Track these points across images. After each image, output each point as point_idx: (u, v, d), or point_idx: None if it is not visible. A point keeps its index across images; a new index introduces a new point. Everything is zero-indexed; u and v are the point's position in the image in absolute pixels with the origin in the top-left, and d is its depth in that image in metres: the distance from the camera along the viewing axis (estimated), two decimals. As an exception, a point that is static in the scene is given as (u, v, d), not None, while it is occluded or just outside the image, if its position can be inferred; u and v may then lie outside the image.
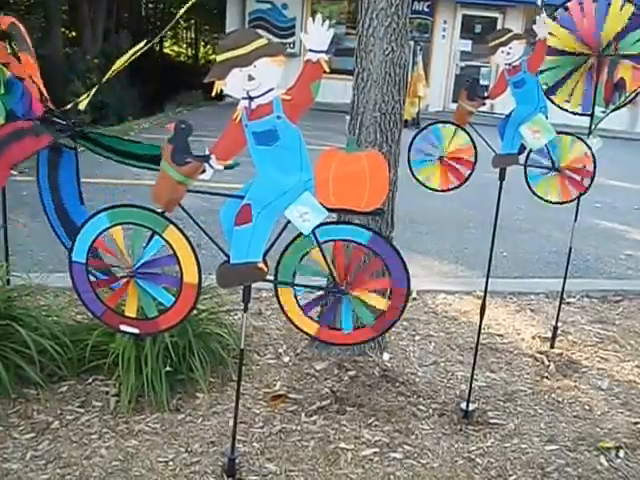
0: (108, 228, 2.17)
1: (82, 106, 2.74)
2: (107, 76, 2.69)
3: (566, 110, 3.57)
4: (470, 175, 3.24)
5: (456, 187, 3.28)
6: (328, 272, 2.26)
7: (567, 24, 3.36)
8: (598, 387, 3.31)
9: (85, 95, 2.75)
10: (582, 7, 3.32)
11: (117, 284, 2.34)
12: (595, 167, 3.29)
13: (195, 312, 2.49)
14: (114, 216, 2.16)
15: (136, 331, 2.28)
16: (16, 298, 3.05)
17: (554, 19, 3.36)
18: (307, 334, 2.39)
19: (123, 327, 2.27)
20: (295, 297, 2.30)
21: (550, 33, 3.15)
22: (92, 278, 2.28)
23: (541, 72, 3.36)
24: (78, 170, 2.83)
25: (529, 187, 3.39)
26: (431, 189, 3.31)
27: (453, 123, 3.15)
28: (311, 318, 2.35)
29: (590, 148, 3.27)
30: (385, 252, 2.22)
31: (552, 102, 3.49)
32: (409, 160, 3.27)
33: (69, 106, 2.80)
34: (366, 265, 2.36)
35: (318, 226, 2.10)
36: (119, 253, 2.25)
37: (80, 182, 2.85)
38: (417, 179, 3.29)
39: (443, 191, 3.32)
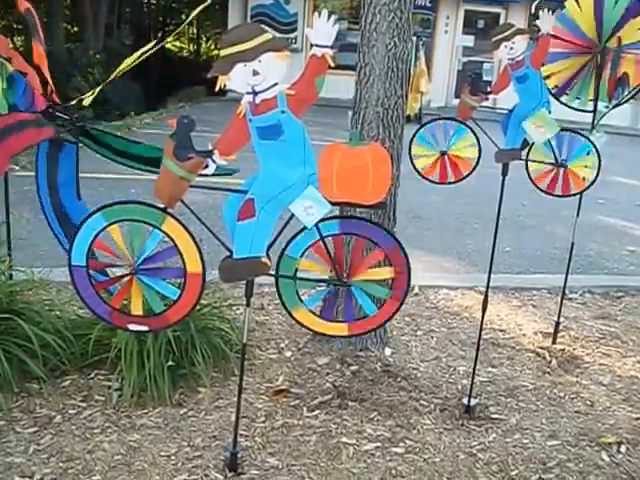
0: (105, 227, 2.13)
1: (86, 102, 2.74)
2: (112, 76, 2.68)
3: (572, 108, 3.56)
4: (455, 182, 3.32)
5: (442, 183, 3.34)
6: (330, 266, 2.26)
7: (566, 22, 3.34)
8: (600, 383, 3.31)
9: (90, 93, 2.74)
10: (579, 3, 3.31)
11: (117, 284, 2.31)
12: (600, 162, 3.28)
13: (197, 307, 2.49)
14: (110, 214, 2.12)
15: (145, 328, 2.26)
16: (19, 293, 3.05)
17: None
18: None
19: (132, 326, 2.23)
20: None
21: (553, 36, 3.15)
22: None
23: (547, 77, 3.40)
24: (78, 164, 2.82)
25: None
26: (417, 171, 3.34)
27: (465, 124, 3.16)
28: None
29: (593, 143, 3.26)
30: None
31: (559, 101, 3.50)
32: (417, 131, 3.29)
33: (73, 102, 2.80)
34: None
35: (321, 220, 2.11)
36: (119, 251, 2.24)
37: (79, 177, 2.84)
38: (410, 155, 3.30)
39: (426, 179, 3.35)
